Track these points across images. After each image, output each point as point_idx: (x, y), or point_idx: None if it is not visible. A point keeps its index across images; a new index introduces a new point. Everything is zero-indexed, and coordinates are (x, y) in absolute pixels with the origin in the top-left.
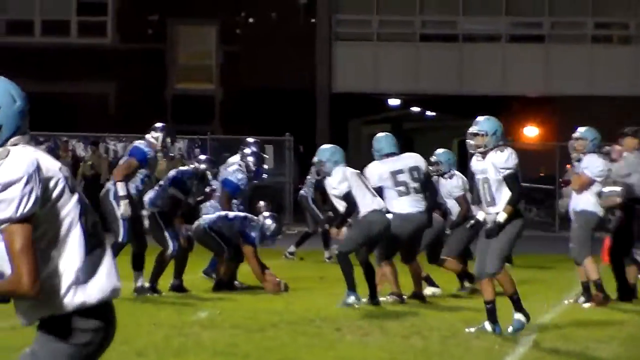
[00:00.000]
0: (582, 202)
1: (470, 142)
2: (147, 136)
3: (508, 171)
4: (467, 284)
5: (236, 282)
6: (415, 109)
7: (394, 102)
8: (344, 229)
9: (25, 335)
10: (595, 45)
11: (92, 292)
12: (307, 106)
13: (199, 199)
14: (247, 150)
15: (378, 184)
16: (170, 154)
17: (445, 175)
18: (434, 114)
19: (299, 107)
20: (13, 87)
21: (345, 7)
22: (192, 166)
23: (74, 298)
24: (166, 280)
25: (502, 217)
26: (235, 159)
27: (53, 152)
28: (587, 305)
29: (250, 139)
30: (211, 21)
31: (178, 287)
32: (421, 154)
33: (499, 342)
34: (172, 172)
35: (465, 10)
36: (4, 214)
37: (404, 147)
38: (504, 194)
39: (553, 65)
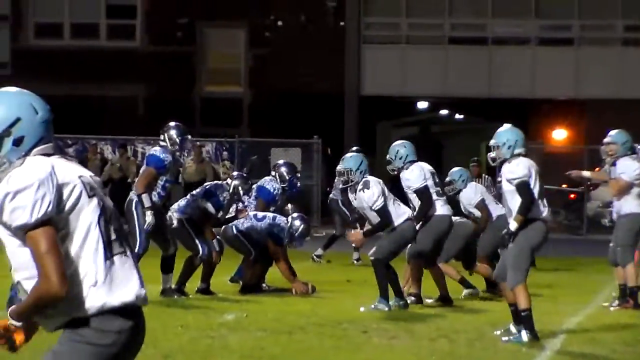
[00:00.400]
0: (627, 205)
1: (489, 154)
2: (161, 141)
3: (517, 180)
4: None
5: (263, 285)
6: (444, 111)
7: (422, 105)
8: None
9: (49, 335)
10: (625, 48)
11: (113, 295)
12: (336, 109)
13: (228, 216)
14: (280, 161)
15: (424, 183)
16: (186, 149)
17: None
18: (462, 116)
19: (328, 110)
20: (34, 99)
21: (375, 9)
22: (224, 182)
23: (94, 300)
24: (192, 283)
25: (512, 226)
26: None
27: (81, 154)
28: (613, 308)
29: (281, 161)
30: (240, 24)
31: (205, 291)
32: (449, 157)
33: (526, 345)
34: (206, 184)
35: (495, 13)
36: (19, 221)
37: (433, 150)
38: (518, 204)
39: (582, 68)
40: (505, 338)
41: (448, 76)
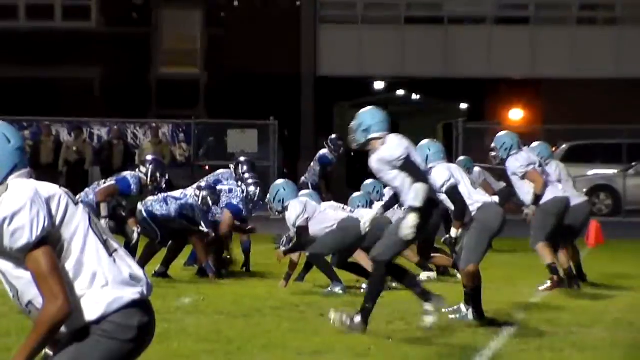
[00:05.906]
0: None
1: None
2: (140, 171)
3: (444, 188)
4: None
5: (222, 271)
6: (401, 92)
7: (379, 85)
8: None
9: None
10: (580, 27)
11: (127, 289)
12: (292, 90)
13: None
14: (250, 180)
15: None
16: (162, 186)
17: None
18: (419, 97)
19: (284, 91)
20: (5, 127)
21: None
22: (196, 197)
23: (110, 297)
24: (150, 266)
25: (453, 233)
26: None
27: (36, 137)
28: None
29: (242, 158)
30: (196, 5)
31: (162, 274)
32: (406, 138)
33: (483, 325)
34: (178, 203)
35: None
36: (21, 242)
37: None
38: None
39: (538, 47)
40: (452, 316)
41: (404, 56)
